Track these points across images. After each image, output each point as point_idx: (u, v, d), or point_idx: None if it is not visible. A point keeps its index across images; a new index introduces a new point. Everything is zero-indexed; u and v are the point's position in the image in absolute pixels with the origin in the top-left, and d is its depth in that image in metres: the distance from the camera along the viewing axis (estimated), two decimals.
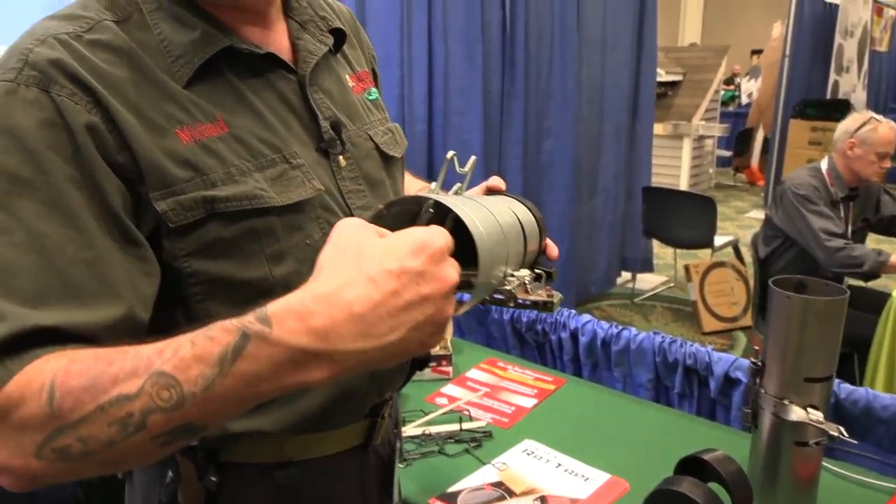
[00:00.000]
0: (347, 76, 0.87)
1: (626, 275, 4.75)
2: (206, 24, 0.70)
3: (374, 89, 0.91)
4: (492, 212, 0.68)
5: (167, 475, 0.78)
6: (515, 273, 0.70)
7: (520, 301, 0.71)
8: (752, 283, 4.23)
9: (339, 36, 0.85)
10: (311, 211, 0.74)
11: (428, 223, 0.64)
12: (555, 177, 3.80)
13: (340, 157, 0.80)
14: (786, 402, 1.19)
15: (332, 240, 0.56)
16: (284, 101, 0.76)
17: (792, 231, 2.78)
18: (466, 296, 0.64)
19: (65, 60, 0.62)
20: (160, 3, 0.70)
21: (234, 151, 0.70)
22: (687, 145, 6.98)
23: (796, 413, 1.17)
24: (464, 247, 0.59)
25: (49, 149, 0.60)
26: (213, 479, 0.76)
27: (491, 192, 0.91)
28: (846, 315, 1.17)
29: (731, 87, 10.38)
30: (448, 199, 0.63)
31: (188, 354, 0.51)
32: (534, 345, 1.90)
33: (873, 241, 3.29)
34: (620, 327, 1.72)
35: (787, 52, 6.52)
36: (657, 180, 4.93)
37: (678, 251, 4.91)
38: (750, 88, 8.81)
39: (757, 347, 1.27)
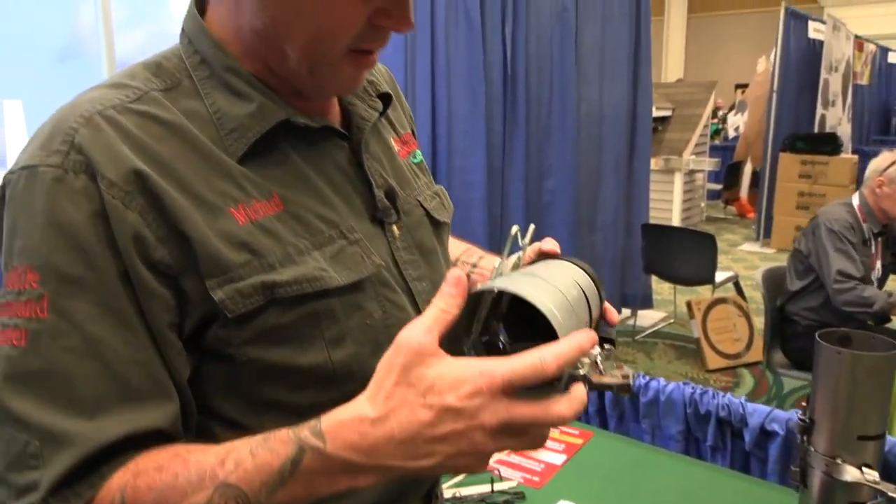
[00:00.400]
0: (392, 140, 0.83)
1: (625, 311, 4.72)
2: (261, 96, 0.66)
3: (418, 152, 0.88)
4: (560, 290, 0.64)
5: None
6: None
7: (594, 382, 0.67)
8: (753, 319, 4.22)
9: (386, 100, 0.81)
10: (371, 288, 0.70)
11: (490, 309, 0.61)
12: (556, 215, 3.79)
13: (394, 227, 0.75)
14: (838, 460, 1.15)
15: (392, 351, 0.54)
16: (339, 171, 0.72)
17: (814, 263, 2.80)
18: None
19: (112, 144, 0.59)
20: (212, 70, 0.67)
21: (290, 230, 0.65)
22: (678, 179, 7.02)
23: (850, 473, 1.13)
24: (524, 318, 0.56)
25: (99, 244, 0.57)
26: None
27: (544, 255, 0.88)
28: None
29: (715, 121, 10.53)
30: (516, 284, 0.58)
31: (250, 466, 0.54)
32: None
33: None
34: (648, 378, 1.68)
35: (775, 88, 6.62)
36: (650, 215, 4.95)
37: (676, 287, 4.90)
38: (737, 122, 8.94)
39: (804, 403, 1.23)
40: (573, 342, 0.53)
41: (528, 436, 0.54)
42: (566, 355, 0.52)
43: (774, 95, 6.63)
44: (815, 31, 7.08)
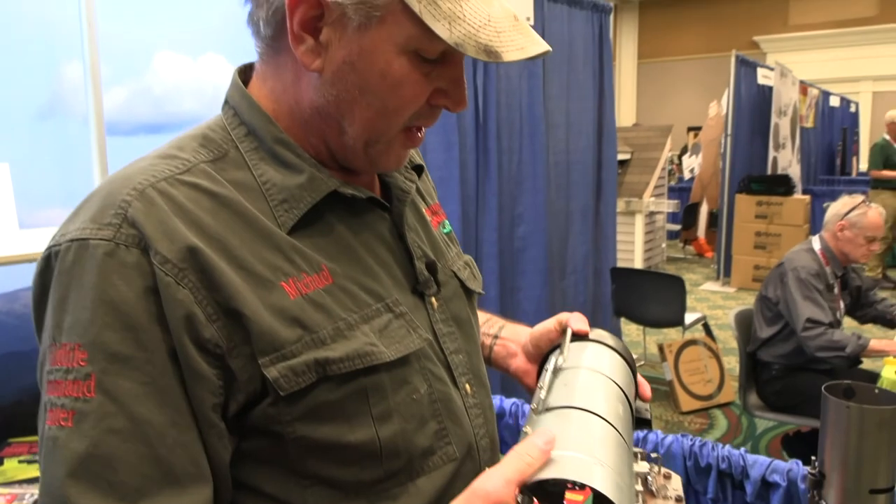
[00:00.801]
0: (424, 210, 0.84)
1: None
2: (310, 167, 0.67)
3: (447, 222, 0.89)
4: (607, 420, 0.62)
5: None
6: (636, 468, 0.65)
7: None
8: (723, 359, 4.28)
9: (419, 172, 0.83)
10: (416, 362, 0.69)
11: None
12: (528, 262, 3.81)
13: (433, 299, 0.75)
14: None
15: (466, 497, 0.52)
16: (382, 242, 0.72)
17: (783, 310, 2.83)
18: None
19: (165, 219, 0.58)
20: (260, 142, 0.68)
21: (340, 303, 0.65)
22: (640, 221, 7.17)
23: None
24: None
25: (150, 322, 0.56)
26: None
27: (574, 335, 0.84)
28: None
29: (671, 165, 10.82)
30: (580, 469, 0.54)
31: None
32: None
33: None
34: (645, 430, 1.67)
35: (729, 132, 6.83)
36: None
37: (645, 328, 4.95)
38: (692, 164, 9.19)
39: (814, 458, 1.23)
40: None
41: None
42: None
43: (728, 139, 6.85)
44: (763, 77, 7.38)
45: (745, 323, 3.11)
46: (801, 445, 3.17)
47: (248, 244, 0.62)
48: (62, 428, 0.55)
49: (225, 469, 0.61)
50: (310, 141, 0.69)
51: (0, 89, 1.55)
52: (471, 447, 0.73)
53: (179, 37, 1.91)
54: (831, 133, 10.84)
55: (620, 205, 7.09)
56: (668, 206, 7.51)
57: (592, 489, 0.51)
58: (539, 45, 0.64)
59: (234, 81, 0.72)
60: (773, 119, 7.13)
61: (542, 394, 0.63)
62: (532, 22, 3.65)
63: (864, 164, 10.98)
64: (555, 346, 0.81)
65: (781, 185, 6.85)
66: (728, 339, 5.17)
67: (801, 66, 10.69)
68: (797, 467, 1.47)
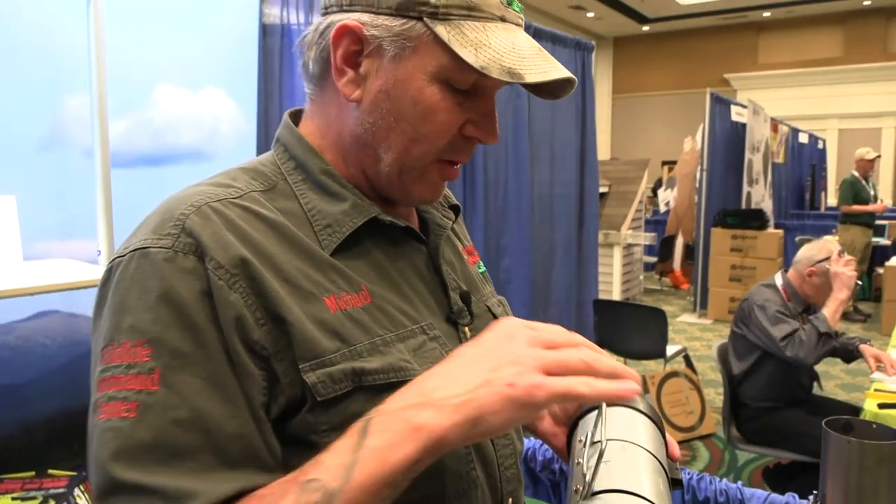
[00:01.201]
0: (461, 249, 0.88)
1: None
2: (353, 196, 0.72)
3: (481, 263, 0.93)
4: (653, 502, 0.64)
5: None
6: None
7: None
8: (703, 391, 4.32)
9: (457, 211, 0.88)
10: None
11: None
12: (513, 293, 3.84)
13: (466, 329, 0.79)
14: None
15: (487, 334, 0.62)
16: (417, 272, 0.76)
17: (757, 342, 2.87)
18: None
19: (219, 231, 0.63)
20: (307, 174, 0.73)
21: (377, 322, 0.69)
22: (618, 253, 7.26)
23: None
24: None
25: (207, 322, 0.60)
26: None
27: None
28: (817, 427, 1.19)
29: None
30: None
31: (322, 456, 0.57)
32: (548, 483, 1.83)
33: None
34: (677, 490, 1.69)
35: (705, 167, 6.98)
36: None
37: (626, 360, 4.98)
38: (667, 197, 9.35)
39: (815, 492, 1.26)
40: None
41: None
42: None
43: (704, 174, 6.99)
44: (737, 114, 7.58)
45: (726, 355, 3.15)
46: (781, 477, 3.20)
47: (293, 261, 0.66)
48: (124, 419, 0.57)
49: (279, 461, 0.63)
50: (351, 172, 0.74)
51: (3, 121, 1.54)
52: (493, 477, 0.75)
53: (180, 71, 1.93)
54: (800, 168, 11.12)
55: (599, 237, 7.19)
56: (644, 238, 7.61)
57: None
58: (561, 72, 0.68)
59: (285, 121, 0.77)
60: (747, 155, 7.30)
61: (588, 475, 0.63)
62: None
63: (832, 199, 11.28)
64: (584, 409, 0.81)
65: (756, 219, 6.99)
66: (706, 371, 5.23)
67: (771, 103, 10.99)
68: (794, 500, 1.49)
